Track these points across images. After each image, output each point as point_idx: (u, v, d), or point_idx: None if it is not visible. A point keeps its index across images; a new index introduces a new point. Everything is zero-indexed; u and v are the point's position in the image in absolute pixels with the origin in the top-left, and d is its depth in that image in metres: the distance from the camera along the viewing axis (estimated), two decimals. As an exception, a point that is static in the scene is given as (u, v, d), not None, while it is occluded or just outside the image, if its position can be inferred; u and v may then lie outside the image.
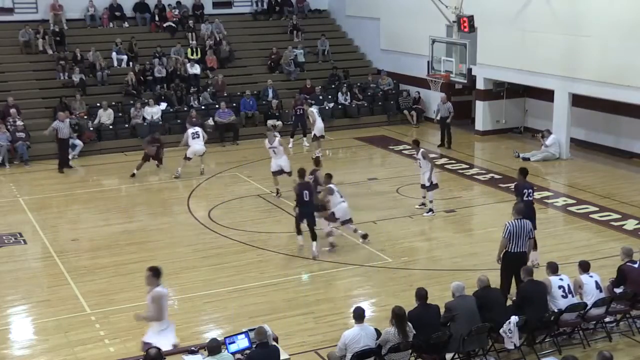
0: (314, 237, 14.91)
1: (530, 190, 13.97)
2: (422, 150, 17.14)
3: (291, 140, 24.05)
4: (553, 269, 11.36)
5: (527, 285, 11.07)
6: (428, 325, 10.15)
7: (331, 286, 13.74)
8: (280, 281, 13.97)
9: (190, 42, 28.46)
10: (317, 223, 15.19)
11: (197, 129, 21.18)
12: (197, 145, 20.80)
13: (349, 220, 15.49)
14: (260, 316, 12.21)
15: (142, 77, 26.47)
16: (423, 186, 17.40)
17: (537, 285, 11.08)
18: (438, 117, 24.17)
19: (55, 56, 26.66)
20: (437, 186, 17.34)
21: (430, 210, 17.26)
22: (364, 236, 15.60)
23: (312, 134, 22.72)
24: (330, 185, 15.38)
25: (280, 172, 18.61)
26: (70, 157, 22.42)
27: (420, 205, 17.60)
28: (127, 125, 24.66)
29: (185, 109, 25.57)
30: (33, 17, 28.00)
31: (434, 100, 26.90)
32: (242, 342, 9.63)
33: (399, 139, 24.75)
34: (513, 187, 14.26)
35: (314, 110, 23.00)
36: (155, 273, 9.88)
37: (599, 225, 16.71)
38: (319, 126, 22.44)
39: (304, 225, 15.04)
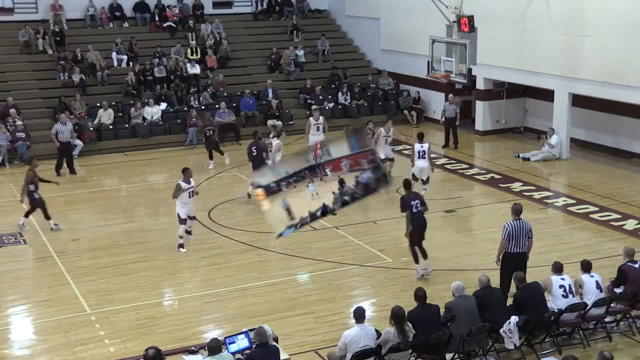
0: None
1: (417, 202, 13.59)
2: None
3: (211, 162, 21.66)
4: (557, 268, 11.37)
5: (522, 291, 11.04)
6: (428, 325, 10.15)
7: (331, 286, 13.73)
8: (280, 281, 13.97)
9: (190, 42, 28.46)
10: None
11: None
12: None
13: (193, 217, 15.78)
14: (260, 316, 12.22)
15: (142, 77, 26.46)
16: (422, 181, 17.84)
17: (531, 288, 11.06)
18: (443, 118, 24.06)
19: (55, 56, 26.66)
20: None
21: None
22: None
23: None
24: (179, 182, 15.22)
25: None
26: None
27: None
28: (127, 125, 24.65)
29: (185, 109, 25.58)
30: (33, 17, 28.00)
31: (434, 100, 26.96)
32: (242, 342, 9.65)
33: (399, 139, 24.67)
34: (400, 200, 13.80)
35: (317, 121, 21.26)
36: None
37: (599, 225, 16.70)
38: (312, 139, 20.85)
39: None
